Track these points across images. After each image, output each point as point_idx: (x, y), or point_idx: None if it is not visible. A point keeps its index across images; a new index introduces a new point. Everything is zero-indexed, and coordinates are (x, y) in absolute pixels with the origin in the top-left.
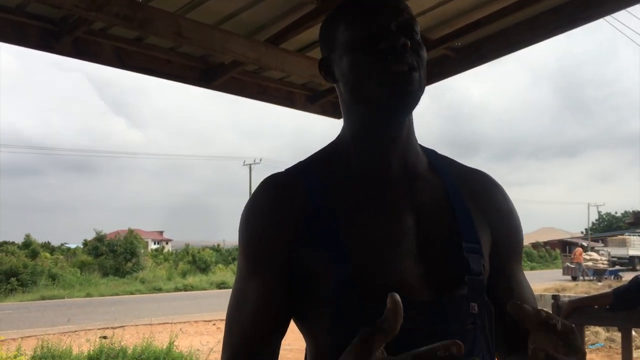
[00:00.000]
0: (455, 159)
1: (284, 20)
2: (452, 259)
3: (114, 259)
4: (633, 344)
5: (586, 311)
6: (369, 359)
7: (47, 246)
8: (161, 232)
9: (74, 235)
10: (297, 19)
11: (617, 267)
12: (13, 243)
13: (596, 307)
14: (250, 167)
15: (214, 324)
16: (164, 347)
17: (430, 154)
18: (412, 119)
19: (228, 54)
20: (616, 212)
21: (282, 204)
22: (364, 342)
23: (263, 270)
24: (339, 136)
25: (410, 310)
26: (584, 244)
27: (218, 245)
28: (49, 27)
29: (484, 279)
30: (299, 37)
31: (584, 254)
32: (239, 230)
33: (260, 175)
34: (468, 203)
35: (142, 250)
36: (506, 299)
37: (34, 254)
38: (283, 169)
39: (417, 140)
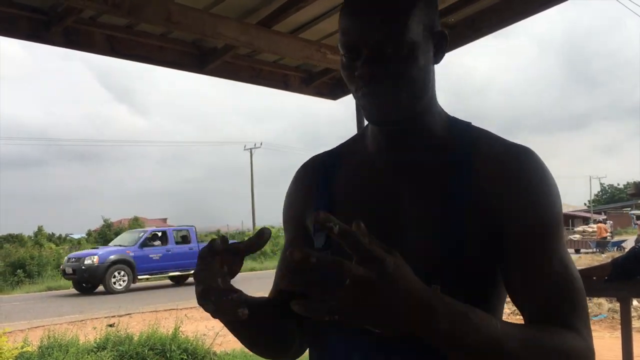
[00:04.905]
0: (494, 133)
1: (275, 1)
2: (425, 248)
3: None
4: (635, 314)
5: (585, 282)
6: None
7: (52, 237)
8: (165, 219)
9: (79, 225)
10: (289, 0)
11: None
12: (20, 234)
13: (595, 278)
14: (251, 152)
15: None
16: (170, 332)
17: (457, 131)
18: (428, 105)
19: (220, 38)
20: (618, 184)
21: (297, 183)
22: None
23: (288, 234)
24: None
25: None
26: (587, 216)
27: (219, 231)
28: (38, 17)
29: (458, 270)
30: (291, 18)
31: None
32: None
33: (261, 159)
34: (475, 187)
35: None
36: (509, 288)
37: (39, 246)
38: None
39: (434, 123)
